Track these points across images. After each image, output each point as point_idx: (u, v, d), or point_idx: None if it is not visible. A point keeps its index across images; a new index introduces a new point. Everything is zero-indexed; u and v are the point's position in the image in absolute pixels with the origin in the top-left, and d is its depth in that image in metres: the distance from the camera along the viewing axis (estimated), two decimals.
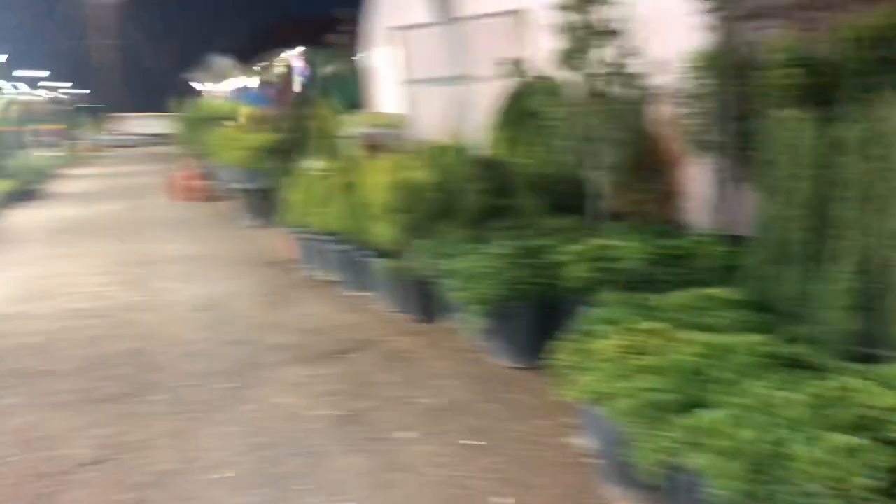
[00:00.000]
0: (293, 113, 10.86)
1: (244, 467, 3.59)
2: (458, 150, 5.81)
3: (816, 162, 3.36)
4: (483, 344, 4.77)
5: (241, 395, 4.46)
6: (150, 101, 39.52)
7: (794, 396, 2.55)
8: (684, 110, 5.06)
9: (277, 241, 8.49)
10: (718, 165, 4.97)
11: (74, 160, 25.17)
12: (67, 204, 14.73)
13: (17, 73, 35.51)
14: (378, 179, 5.85)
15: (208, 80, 33.34)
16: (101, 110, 43.35)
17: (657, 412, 2.73)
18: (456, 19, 8.69)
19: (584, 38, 5.13)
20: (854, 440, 2.28)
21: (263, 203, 9.82)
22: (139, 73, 59.11)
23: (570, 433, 3.64)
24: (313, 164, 7.50)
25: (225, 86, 28.60)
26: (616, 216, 5.17)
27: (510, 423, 3.89)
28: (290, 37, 21.04)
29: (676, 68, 5.03)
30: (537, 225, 5.15)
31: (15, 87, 28.11)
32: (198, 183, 13.94)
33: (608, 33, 5.08)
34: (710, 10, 4.94)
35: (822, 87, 4.17)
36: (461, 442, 3.73)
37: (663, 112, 5.45)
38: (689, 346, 3.01)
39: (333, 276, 6.79)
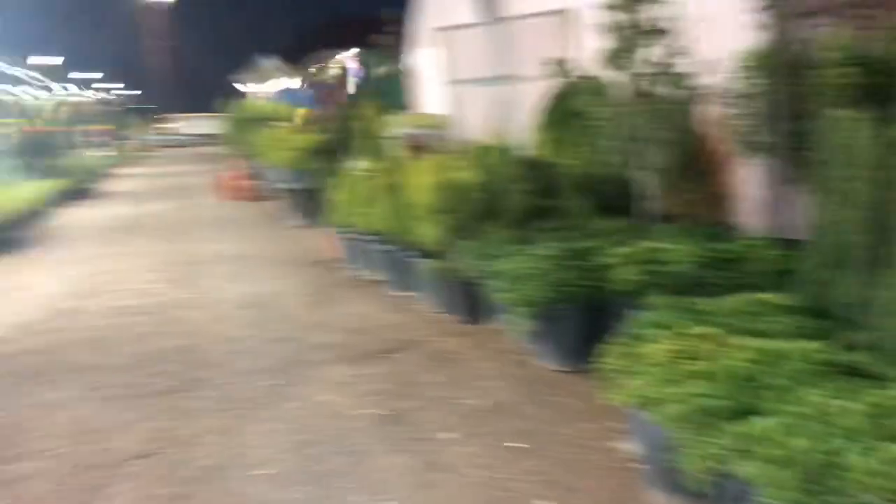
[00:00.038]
0: (340, 114, 10.95)
1: (288, 464, 3.61)
2: (503, 151, 5.78)
3: (873, 163, 3.25)
4: (528, 346, 4.73)
5: (286, 392, 4.50)
6: (199, 102, 40.31)
7: (850, 405, 2.47)
8: (735, 111, 4.96)
9: (322, 241, 8.56)
10: (770, 167, 4.85)
11: (124, 160, 25.75)
12: (117, 203, 15.08)
13: (72, 74, 36.58)
14: (423, 180, 5.85)
15: (254, 81, 33.82)
16: (151, 111, 44.35)
17: (707, 418, 2.66)
18: (501, 19, 8.67)
19: (631, 38, 5.06)
20: None
21: (309, 203, 9.92)
22: (188, 74, 60.35)
23: (616, 437, 3.59)
24: (358, 165, 7.55)
25: (270, 87, 28.98)
26: (664, 218, 5.09)
27: (555, 426, 3.85)
28: (335, 38, 21.25)
29: (727, 68, 4.93)
30: (584, 226, 5.10)
31: (65, 89, 28.89)
32: (245, 183, 14.15)
33: (656, 32, 5.01)
34: (763, 8, 4.83)
35: (878, 87, 4.04)
36: (505, 444, 3.70)
37: (712, 112, 5.34)
38: (741, 351, 2.94)
39: (378, 276, 6.82)
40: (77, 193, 15.60)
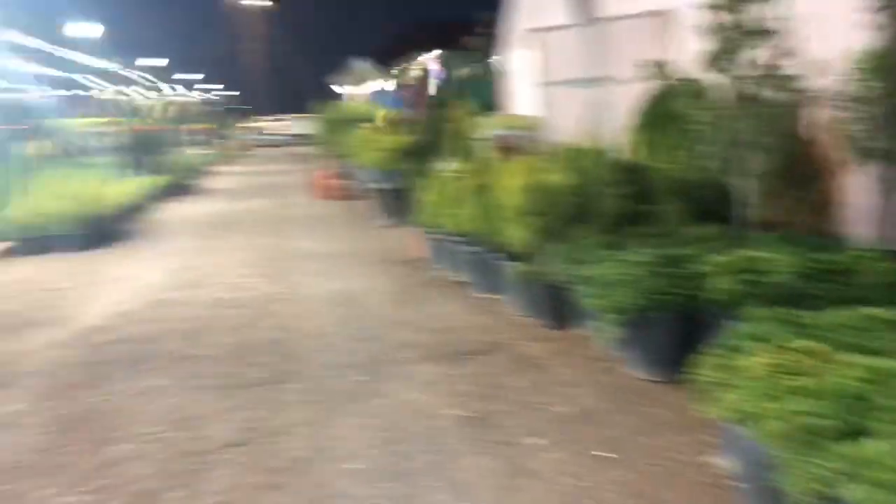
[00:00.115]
0: (429, 115, 11.04)
1: (374, 460, 3.65)
2: (597, 153, 5.68)
3: None
4: (617, 354, 4.63)
5: (373, 389, 4.55)
6: (294, 103, 41.47)
7: None
8: (846, 115, 4.71)
9: (410, 241, 8.64)
10: (884, 174, 4.58)
11: (223, 158, 26.72)
12: (215, 199, 15.66)
13: (175, 76, 38.27)
14: (512, 182, 5.81)
15: (348, 83, 34.54)
16: (249, 111, 45.94)
17: (812, 437, 2.53)
18: (596, 20, 8.53)
19: (734, 39, 4.88)
20: None
21: (398, 203, 10.04)
22: (283, 75, 62.15)
23: (709, 452, 3.47)
24: (447, 166, 7.57)
25: (364, 88, 29.53)
26: (764, 226, 4.88)
27: (644, 436, 3.75)
28: (427, 40, 21.45)
29: (838, 70, 4.69)
30: (678, 233, 4.95)
31: (173, 89, 30.24)
32: (336, 182, 14.45)
33: (762, 33, 4.81)
34: (878, 8, 4.57)
35: None
36: (592, 452, 3.63)
37: (821, 116, 5.10)
38: (850, 369, 2.78)
39: (464, 278, 6.83)
40: (178, 189, 16.29)
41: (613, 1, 8.15)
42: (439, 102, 11.57)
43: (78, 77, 20.73)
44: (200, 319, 6.28)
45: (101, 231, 10.09)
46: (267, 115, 43.70)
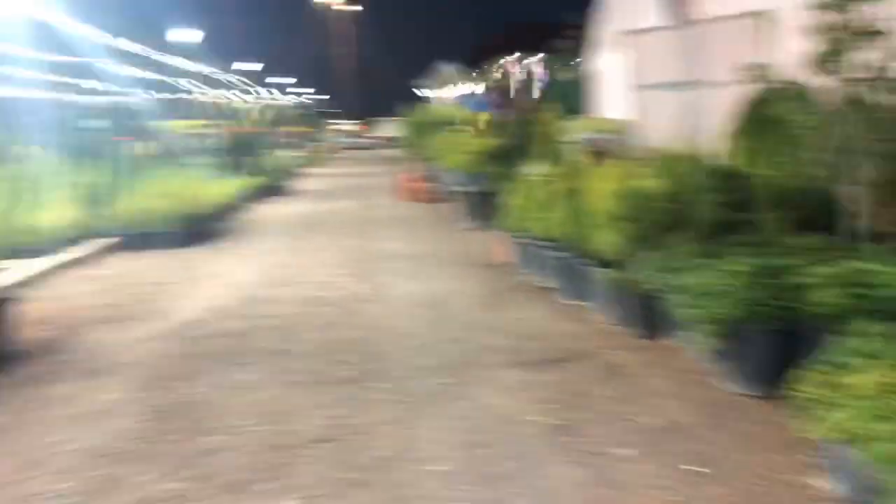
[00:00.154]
0: (518, 118, 10.99)
1: (458, 463, 3.63)
2: (692, 159, 5.51)
3: None
4: (711, 366, 4.47)
5: (458, 392, 4.54)
6: (382, 106, 42.12)
7: None
8: None
9: (495, 245, 8.61)
10: None
11: (313, 160, 27.38)
12: (305, 200, 16.05)
13: (268, 79, 39.50)
14: (603, 186, 5.71)
15: (434, 86, 34.82)
16: (337, 114, 46.96)
17: None
18: (691, 22, 8.29)
19: (842, 40, 4.64)
20: None
21: (483, 206, 10.03)
22: (372, 79, 63.21)
23: (810, 473, 3.30)
24: (535, 170, 7.51)
25: (450, 92, 29.70)
26: (874, 237, 4.61)
27: (739, 453, 3.60)
28: (515, 43, 21.39)
29: None
30: (779, 242, 4.73)
31: (269, 93, 31.23)
32: (422, 185, 14.58)
33: (873, 33, 4.56)
34: None
35: None
36: (682, 466, 3.51)
37: None
38: None
39: (551, 283, 6.75)
40: (270, 190, 16.77)
41: (709, 2, 7.91)
42: (532, 105, 11.51)
43: (179, 81, 21.65)
44: (290, 317, 6.42)
45: (199, 229, 10.49)
46: (353, 118, 44.56)
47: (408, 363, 5.11)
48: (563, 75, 13.76)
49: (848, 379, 2.93)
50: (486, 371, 4.88)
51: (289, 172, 20.67)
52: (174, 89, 22.38)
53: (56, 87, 14.56)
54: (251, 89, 28.42)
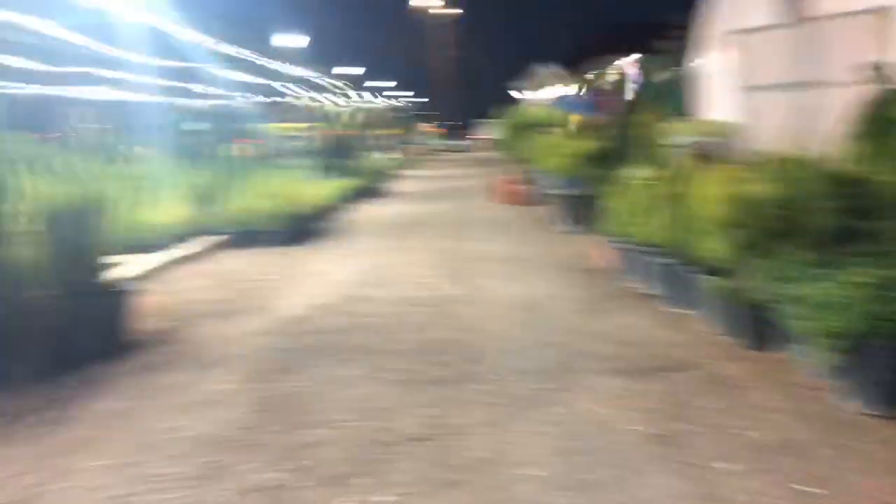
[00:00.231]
0: (618, 120, 10.78)
1: (554, 469, 3.57)
2: (808, 163, 5.24)
3: None
4: (827, 381, 4.22)
5: (555, 397, 4.48)
6: (479, 109, 42.30)
7: None
8: None
9: (594, 249, 8.47)
10: None
11: (408, 162, 27.75)
12: (399, 202, 16.27)
13: (368, 83, 40.35)
14: (711, 191, 5.50)
15: (531, 88, 34.66)
16: (436, 117, 47.47)
17: None
18: (805, 20, 7.92)
19: None
20: None
21: (581, 210, 9.89)
22: (468, 82, 63.57)
23: None
24: (637, 173, 7.33)
25: (547, 93, 29.50)
26: None
27: (859, 475, 3.38)
28: (615, 44, 21.02)
29: None
30: None
31: (360, 97, 31.88)
32: (518, 187, 14.51)
33: None
34: None
35: None
36: (794, 486, 3.33)
37: None
38: None
39: (652, 290, 6.57)
40: (366, 192, 17.10)
41: None
42: (633, 107, 11.27)
43: (281, 85, 22.40)
44: (388, 316, 6.51)
45: (301, 228, 10.82)
46: (449, 121, 44.94)
47: (504, 366, 5.07)
48: (660, 76, 13.40)
49: None
50: (584, 377, 4.79)
51: (385, 174, 21.01)
52: (278, 93, 23.17)
53: (166, 90, 15.35)
54: (350, 93, 29.08)
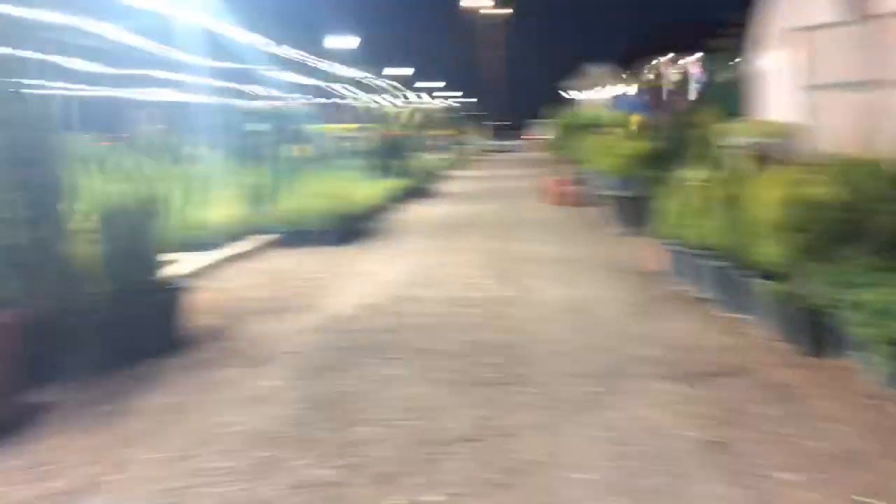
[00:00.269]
0: (674, 120, 10.60)
1: (605, 473, 3.52)
2: (873, 165, 5.06)
3: None
4: (890, 390, 4.08)
5: (605, 401, 4.42)
6: (528, 109, 42.14)
7: None
8: None
9: (646, 251, 8.34)
10: None
11: (459, 163, 27.77)
12: (450, 202, 16.29)
13: (417, 84, 40.52)
14: (768, 194, 5.36)
15: (583, 88, 34.38)
16: (486, 118, 47.45)
17: None
18: (870, 17, 7.67)
19: None
20: None
21: (634, 211, 9.75)
22: (518, 82, 63.36)
23: None
24: (692, 174, 7.20)
25: (599, 93, 29.22)
26: None
27: None
28: (671, 42, 20.69)
29: None
30: None
31: (419, 97, 32.04)
32: (569, 188, 14.38)
33: None
34: None
35: None
36: (855, 497, 3.22)
37: None
38: None
39: (706, 294, 6.44)
40: (417, 192, 17.18)
41: None
42: (691, 107, 11.07)
43: (333, 86, 22.64)
44: (436, 316, 6.51)
45: (351, 228, 10.92)
46: (499, 121, 44.88)
47: (554, 369, 5.03)
48: (722, 75, 13.13)
49: None
50: (635, 381, 4.72)
51: (434, 175, 21.07)
52: (329, 94, 23.43)
53: (222, 92, 15.65)
54: (400, 94, 29.25)
